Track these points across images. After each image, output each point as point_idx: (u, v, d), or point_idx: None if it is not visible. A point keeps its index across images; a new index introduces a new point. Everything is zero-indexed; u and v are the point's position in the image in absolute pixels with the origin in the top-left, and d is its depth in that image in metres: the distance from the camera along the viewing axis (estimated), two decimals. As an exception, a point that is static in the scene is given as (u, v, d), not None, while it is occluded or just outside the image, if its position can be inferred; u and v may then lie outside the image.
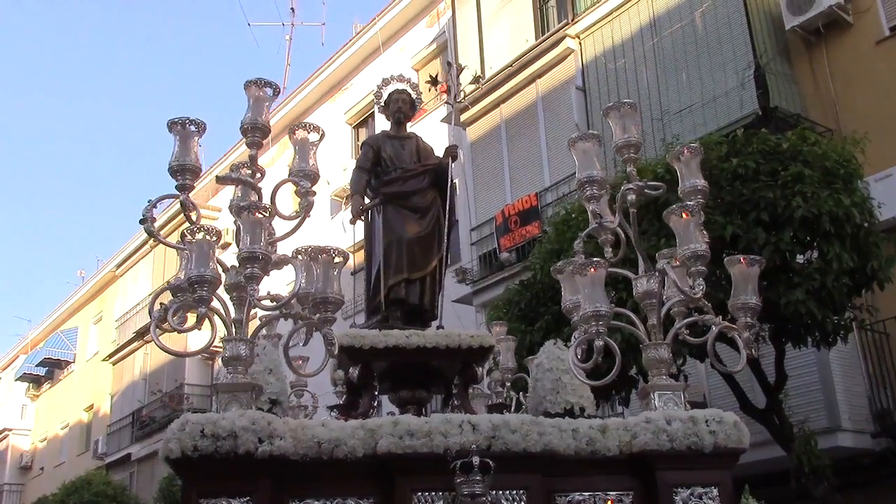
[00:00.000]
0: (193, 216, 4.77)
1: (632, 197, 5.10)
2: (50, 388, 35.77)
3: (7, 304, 68.61)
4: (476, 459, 4.32)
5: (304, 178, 4.82)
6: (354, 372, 5.85)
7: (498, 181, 16.34)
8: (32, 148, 73.72)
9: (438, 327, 6.15)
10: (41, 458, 35.37)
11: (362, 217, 6.53)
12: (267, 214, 4.56)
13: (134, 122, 72.30)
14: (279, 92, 4.96)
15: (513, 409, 6.26)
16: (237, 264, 4.58)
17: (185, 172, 4.69)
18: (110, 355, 29.23)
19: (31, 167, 74.14)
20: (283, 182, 4.88)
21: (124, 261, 29.84)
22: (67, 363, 34.17)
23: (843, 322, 8.83)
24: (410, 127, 7.07)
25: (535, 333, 9.04)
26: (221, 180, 5.08)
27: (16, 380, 36.92)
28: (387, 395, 6.27)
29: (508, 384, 6.63)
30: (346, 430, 4.54)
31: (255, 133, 4.87)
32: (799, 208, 8.06)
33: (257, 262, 4.46)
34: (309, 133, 4.91)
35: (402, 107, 6.74)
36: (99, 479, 22.41)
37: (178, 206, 5.03)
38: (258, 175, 5.04)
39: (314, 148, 4.93)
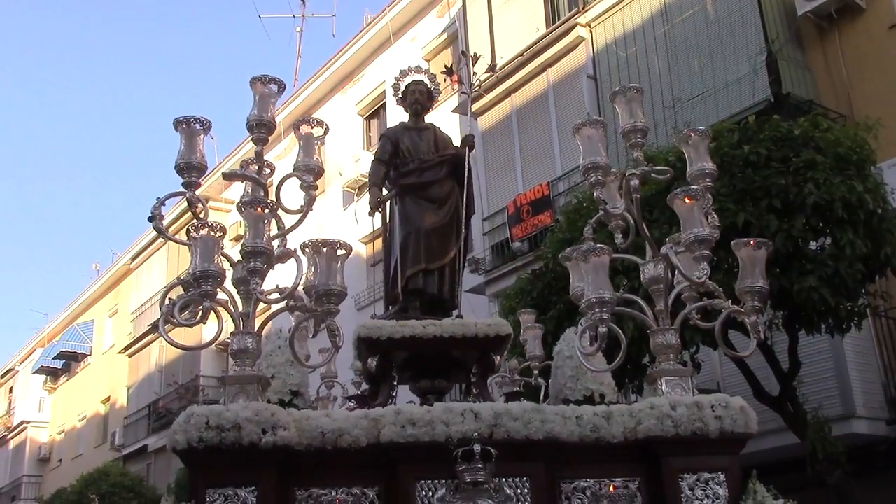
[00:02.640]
0: (201, 213, 4.84)
1: (635, 182, 5.07)
2: (67, 380, 36.02)
3: (23, 298, 69.09)
4: (477, 447, 4.37)
5: (308, 172, 4.87)
6: (373, 363, 5.89)
7: (509, 171, 16.34)
8: (48, 141, 74.11)
9: (457, 317, 6.16)
10: (59, 450, 35.64)
11: (380, 209, 6.55)
12: (268, 210, 4.60)
13: (145, 114, 72.55)
14: (284, 88, 5.01)
15: (541, 396, 6.28)
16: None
17: (191, 170, 4.78)
18: (126, 348, 29.41)
19: (46, 161, 74.54)
20: (287, 176, 4.95)
21: (139, 254, 29.98)
22: (84, 356, 34.40)
23: (857, 309, 8.80)
24: (423, 116, 7.08)
25: (548, 322, 9.06)
26: (228, 177, 5.13)
27: (33, 373, 37.20)
28: (408, 385, 6.29)
29: (536, 372, 6.64)
30: (349, 420, 4.61)
31: (261, 129, 4.94)
32: (811, 195, 8.03)
33: (260, 256, 4.54)
34: (313, 128, 4.97)
35: (419, 98, 6.75)
36: (116, 470, 22.60)
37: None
38: (267, 171, 5.11)
39: (319, 142, 4.98)
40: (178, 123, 4.80)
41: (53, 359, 35.06)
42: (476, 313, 13.52)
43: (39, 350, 36.94)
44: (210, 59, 74.71)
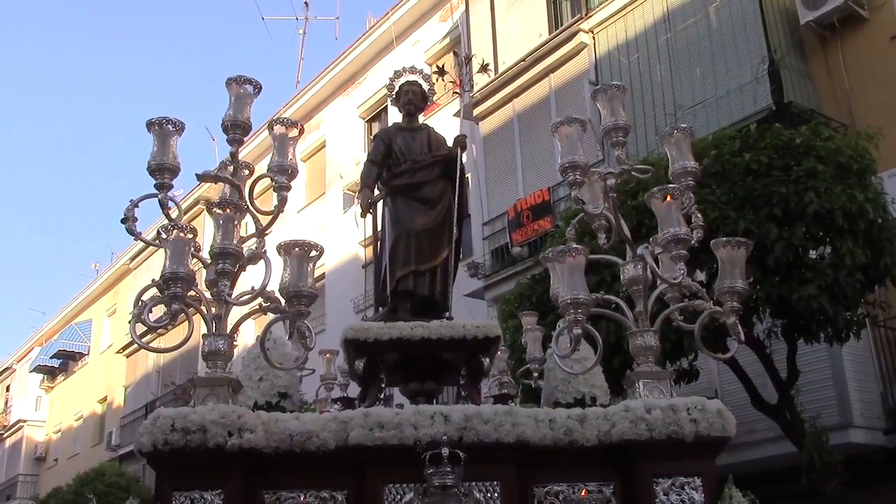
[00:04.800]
0: (174, 215, 4.83)
1: (612, 181, 4.99)
2: (64, 379, 35.96)
3: (22, 297, 69.08)
4: (445, 451, 4.31)
5: (281, 173, 4.86)
6: (360, 365, 5.84)
7: (510, 175, 16.33)
8: (48, 141, 74.12)
9: (448, 319, 6.11)
10: (55, 449, 35.58)
11: (371, 210, 6.52)
12: (238, 213, 4.61)
13: (147, 114, 72.38)
14: (260, 89, 4.96)
15: (542, 399, 6.24)
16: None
17: (163, 171, 4.75)
18: (124, 348, 29.38)
19: (47, 160, 74.53)
20: (260, 177, 4.94)
21: (138, 254, 29.95)
22: (82, 355, 34.36)
23: (856, 318, 8.79)
24: (423, 121, 7.06)
25: (547, 327, 9.04)
26: (201, 178, 5.09)
27: (31, 371, 37.16)
28: (398, 388, 6.26)
29: (536, 374, 6.60)
30: (318, 423, 4.58)
31: (236, 130, 4.92)
32: (812, 203, 8.02)
33: (229, 258, 4.55)
34: (287, 129, 4.95)
35: (412, 98, 6.69)
36: (112, 470, 22.50)
37: (190, 200, 5.07)
38: (245, 172, 5.11)
39: (293, 143, 4.97)
40: (150, 125, 4.77)
41: (51, 358, 35.02)
42: (475, 318, 13.56)
43: (37, 349, 36.89)
44: (213, 60, 74.75)
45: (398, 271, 6.17)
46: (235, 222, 4.63)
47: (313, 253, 4.47)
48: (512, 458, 4.59)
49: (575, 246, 4.71)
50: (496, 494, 4.51)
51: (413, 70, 6.84)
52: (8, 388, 40.85)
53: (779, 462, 10.28)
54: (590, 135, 5.60)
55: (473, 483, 4.45)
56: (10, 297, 69.76)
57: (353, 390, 6.58)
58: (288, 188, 4.89)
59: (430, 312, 6.12)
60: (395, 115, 15.45)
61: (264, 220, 4.95)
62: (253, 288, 4.80)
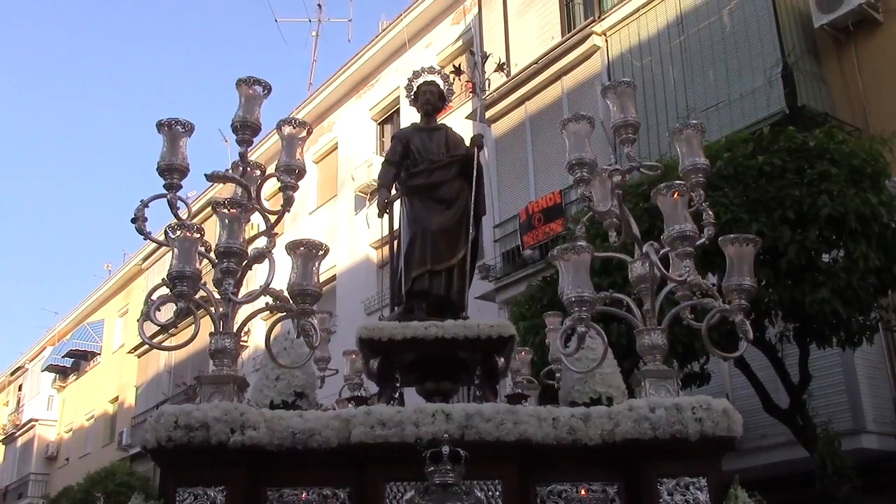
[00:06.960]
0: (184, 214, 4.87)
1: (618, 178, 4.96)
2: (76, 379, 36.12)
3: (35, 297, 69.40)
4: (445, 448, 4.31)
5: (289, 172, 4.89)
6: (374, 364, 5.84)
7: (522, 178, 16.31)
8: (61, 141, 74.48)
9: (464, 318, 6.09)
10: (67, 448, 35.72)
11: (388, 210, 6.51)
12: (244, 212, 4.65)
13: (160, 116, 72.71)
14: (270, 90, 4.99)
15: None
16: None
17: (172, 172, 4.80)
18: (135, 348, 29.49)
19: (61, 160, 74.90)
20: (267, 177, 4.97)
21: (150, 255, 30.07)
22: (94, 355, 34.51)
23: (869, 322, 8.74)
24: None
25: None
26: (211, 178, 5.12)
27: (43, 371, 37.33)
28: (414, 388, 6.24)
29: (559, 375, 6.58)
30: (321, 421, 4.61)
31: (245, 131, 4.96)
32: (825, 206, 7.98)
33: (234, 257, 4.60)
34: (296, 128, 4.99)
35: (430, 98, 6.68)
36: (123, 470, 22.59)
37: (203, 201, 5.11)
38: (257, 172, 5.14)
39: (301, 143, 5.01)
40: (160, 126, 4.82)
41: (63, 357, 35.21)
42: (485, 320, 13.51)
43: (49, 348, 37.07)
44: (227, 62, 74.99)
45: (413, 271, 6.15)
46: (241, 222, 4.67)
47: (320, 252, 4.50)
48: (514, 457, 4.58)
49: (580, 243, 4.67)
50: (497, 493, 4.50)
51: (431, 70, 6.84)
52: (20, 388, 41.04)
53: (790, 467, 10.23)
54: (602, 138, 5.52)
55: (475, 481, 4.44)
56: (23, 297, 70.17)
57: (374, 390, 6.58)
58: (295, 188, 4.93)
59: (446, 312, 6.09)
60: (407, 118, 15.45)
61: (274, 220, 4.98)
62: (261, 286, 4.83)
